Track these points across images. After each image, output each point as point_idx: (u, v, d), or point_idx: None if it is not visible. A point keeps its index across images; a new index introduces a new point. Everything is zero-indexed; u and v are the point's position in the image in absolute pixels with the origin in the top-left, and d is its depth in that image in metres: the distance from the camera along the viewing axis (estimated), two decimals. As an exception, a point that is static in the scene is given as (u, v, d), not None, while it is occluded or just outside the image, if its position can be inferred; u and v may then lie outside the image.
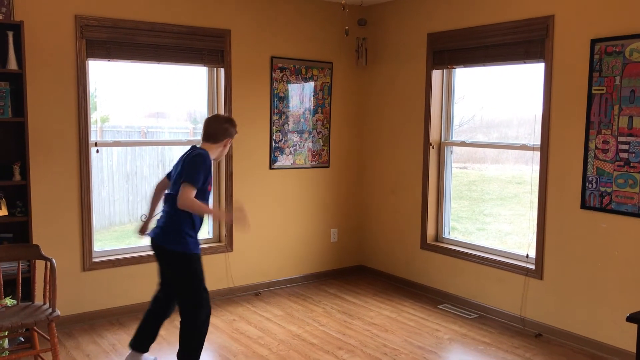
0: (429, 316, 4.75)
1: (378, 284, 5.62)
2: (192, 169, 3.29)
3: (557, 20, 4.16)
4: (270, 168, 5.34)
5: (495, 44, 4.58)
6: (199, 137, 5.22)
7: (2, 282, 3.59)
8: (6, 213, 3.98)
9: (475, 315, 4.76)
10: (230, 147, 5.06)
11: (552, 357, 3.96)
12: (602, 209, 3.97)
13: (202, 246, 5.06)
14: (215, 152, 3.51)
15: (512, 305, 4.59)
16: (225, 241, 5.15)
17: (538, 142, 4.38)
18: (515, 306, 4.56)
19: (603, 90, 3.92)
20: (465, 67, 4.94)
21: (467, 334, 4.37)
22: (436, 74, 5.16)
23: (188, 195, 3.22)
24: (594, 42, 3.94)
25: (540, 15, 4.25)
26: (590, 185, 4.03)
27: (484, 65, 4.75)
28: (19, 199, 4.04)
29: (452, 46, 4.92)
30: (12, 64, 3.87)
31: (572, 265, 4.18)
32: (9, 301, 3.65)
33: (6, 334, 3.70)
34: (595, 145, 3.98)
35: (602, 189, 3.97)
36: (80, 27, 4.26)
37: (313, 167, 5.62)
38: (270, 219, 5.39)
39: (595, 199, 4.00)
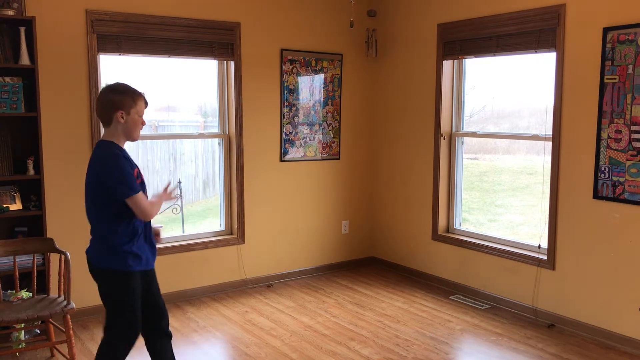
0: (440, 307, 4.75)
1: (389, 276, 5.63)
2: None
3: (569, 8, 4.12)
4: (281, 160, 5.35)
5: (506, 33, 4.55)
6: (210, 131, 5.27)
7: (17, 275, 3.64)
8: (21, 207, 4.03)
9: (487, 306, 4.76)
10: (241, 139, 5.09)
11: (564, 348, 3.96)
12: (615, 199, 3.94)
13: (214, 238, 5.12)
14: (118, 136, 2.74)
15: (524, 296, 4.58)
16: (237, 233, 5.18)
17: (550, 132, 4.35)
18: (528, 297, 4.55)
19: (615, 79, 3.88)
20: (476, 57, 4.91)
21: (479, 325, 4.37)
22: (447, 65, 5.13)
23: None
24: (606, 30, 3.91)
25: (551, 4, 4.22)
26: (602, 175, 4.00)
27: (495, 55, 4.72)
28: (33, 193, 4.09)
29: (463, 36, 4.89)
30: (25, 59, 3.90)
31: (584, 255, 4.16)
32: (24, 294, 3.70)
33: (22, 326, 3.76)
34: (608, 135, 3.95)
35: (614, 178, 3.94)
36: (91, 21, 4.29)
37: (324, 159, 5.63)
38: (282, 211, 5.41)
39: (608, 189, 3.98)
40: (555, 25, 4.20)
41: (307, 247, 5.62)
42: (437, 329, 4.29)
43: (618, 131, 3.89)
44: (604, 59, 3.93)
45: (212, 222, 5.50)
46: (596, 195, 4.05)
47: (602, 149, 3.99)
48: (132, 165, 2.74)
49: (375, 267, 5.91)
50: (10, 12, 3.84)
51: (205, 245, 4.99)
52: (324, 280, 5.49)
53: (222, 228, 5.24)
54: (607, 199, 3.99)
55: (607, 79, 3.92)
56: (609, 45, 3.90)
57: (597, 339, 4.08)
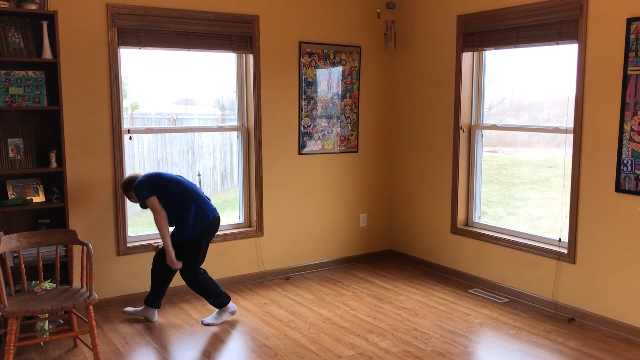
0: (459, 300, 4.74)
1: (408, 269, 5.62)
2: None
3: (592, -1, 4.07)
4: (299, 153, 5.36)
5: (527, 25, 4.50)
6: (228, 124, 5.30)
7: (41, 266, 3.70)
8: (44, 199, 4.09)
9: (506, 300, 4.74)
10: (260, 132, 5.11)
11: (585, 342, 3.93)
12: (638, 193, 3.89)
13: (233, 231, 5.16)
14: None
15: (544, 290, 4.55)
16: (255, 226, 5.21)
17: (571, 125, 4.31)
18: (547, 291, 4.52)
19: (639, 70, 3.82)
20: (496, 49, 4.86)
21: (498, 318, 4.36)
22: (466, 57, 5.09)
23: None
24: (630, 21, 3.84)
25: (573, -6, 4.16)
26: (625, 168, 3.95)
27: (515, 47, 4.67)
28: (56, 185, 4.14)
29: (483, 28, 4.84)
30: (47, 53, 3.94)
31: (605, 249, 4.12)
32: (48, 285, 3.76)
33: (46, 316, 3.82)
34: (631, 127, 3.90)
35: (637, 171, 3.89)
36: (112, 15, 4.32)
37: (342, 152, 5.63)
38: (300, 204, 5.43)
39: (631, 182, 3.93)
40: (577, 16, 4.15)
41: (325, 240, 5.63)
42: (455, 322, 4.29)
43: (641, 124, 3.84)
44: (627, 50, 3.87)
45: (230, 215, 5.54)
46: (618, 188, 4.00)
47: (624, 142, 3.94)
48: None
49: (394, 260, 5.91)
50: (33, 7, 3.89)
51: (224, 238, 5.03)
52: (342, 273, 5.50)
53: (241, 220, 5.27)
54: (629, 192, 3.94)
55: (631, 70, 3.87)
56: (632, 37, 3.84)
57: (618, 334, 4.04)
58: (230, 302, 4.31)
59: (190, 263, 4.15)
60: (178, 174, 4.76)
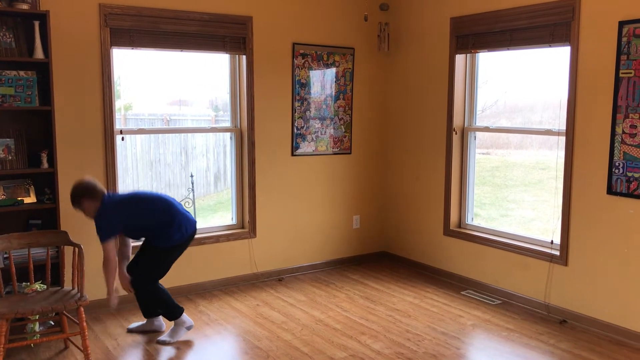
0: (452, 302, 4.74)
1: (400, 271, 5.62)
2: None
3: (584, 2, 4.08)
4: (292, 155, 5.36)
5: (520, 27, 4.52)
6: (221, 125, 5.29)
7: (32, 267, 3.68)
8: (35, 200, 4.06)
9: (499, 302, 4.75)
10: (253, 133, 5.10)
11: (577, 344, 3.94)
12: (629, 195, 3.91)
13: (225, 232, 5.15)
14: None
15: (536, 292, 4.56)
16: (248, 227, 5.19)
17: (563, 127, 4.32)
18: (540, 292, 4.53)
19: (631, 73, 3.84)
20: (489, 51, 4.87)
21: (490, 320, 4.36)
22: (459, 59, 5.10)
23: None
24: (622, 24, 3.86)
25: (566, -3, 4.18)
26: (617, 171, 3.97)
27: (508, 49, 4.69)
28: (47, 186, 4.12)
29: (476, 30, 4.86)
30: (39, 53, 3.92)
31: (598, 251, 4.14)
32: (39, 286, 3.73)
33: (37, 317, 3.80)
34: (623, 130, 3.92)
35: (629, 174, 3.91)
36: (105, 15, 4.30)
37: (335, 153, 5.62)
38: (293, 205, 5.42)
39: (622, 185, 3.95)
40: (570, 19, 4.16)
41: (318, 242, 5.63)
42: (448, 324, 4.29)
43: (633, 126, 3.86)
44: (619, 53, 3.89)
45: (223, 216, 5.53)
46: (610, 190, 4.02)
47: (616, 144, 3.96)
48: None
49: (387, 262, 5.91)
50: (25, 6, 3.87)
51: (216, 239, 5.01)
52: (335, 274, 5.50)
53: (234, 222, 5.25)
54: (621, 194, 3.96)
55: (623, 73, 3.88)
56: (624, 39, 3.85)
57: (609, 336, 4.06)
58: (185, 315, 4.03)
59: (147, 268, 3.95)
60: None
